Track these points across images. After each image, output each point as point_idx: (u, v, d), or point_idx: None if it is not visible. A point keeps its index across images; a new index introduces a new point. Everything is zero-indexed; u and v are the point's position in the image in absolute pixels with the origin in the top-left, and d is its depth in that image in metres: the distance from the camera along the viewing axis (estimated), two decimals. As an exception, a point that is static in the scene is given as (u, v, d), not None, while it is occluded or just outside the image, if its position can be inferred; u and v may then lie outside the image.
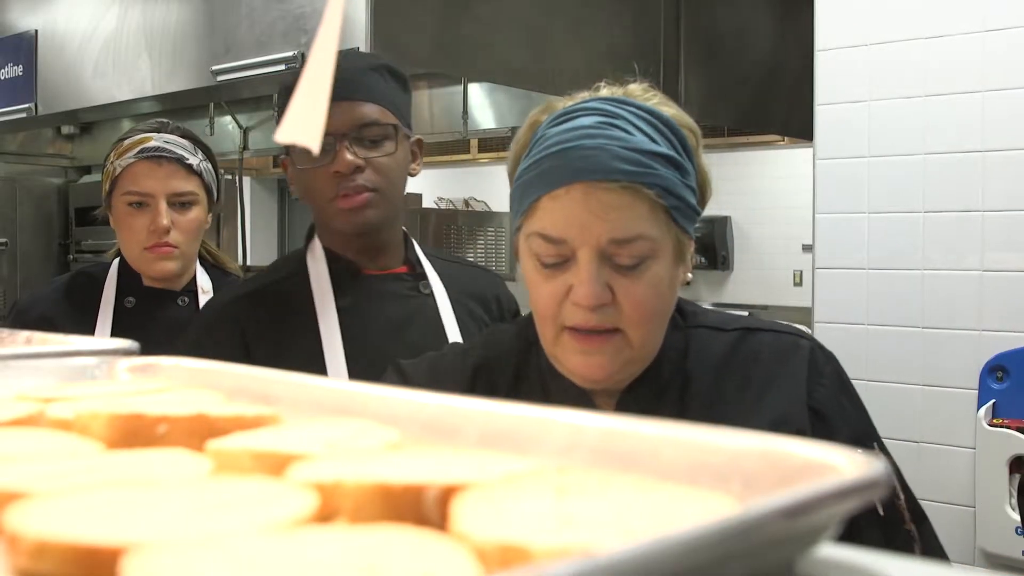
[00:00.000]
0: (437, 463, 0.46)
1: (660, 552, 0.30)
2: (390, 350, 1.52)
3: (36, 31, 3.56)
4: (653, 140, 1.06)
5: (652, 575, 0.30)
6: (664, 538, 0.30)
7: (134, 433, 0.54)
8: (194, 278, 1.98)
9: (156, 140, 1.89)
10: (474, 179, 6.84)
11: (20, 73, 3.60)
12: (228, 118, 4.49)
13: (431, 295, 1.62)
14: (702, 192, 1.15)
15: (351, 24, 2.46)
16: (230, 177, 4.89)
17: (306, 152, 1.49)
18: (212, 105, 4.29)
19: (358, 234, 1.56)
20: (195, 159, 1.91)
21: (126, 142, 1.91)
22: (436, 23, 2.73)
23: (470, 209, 6.16)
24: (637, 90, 1.15)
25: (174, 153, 1.89)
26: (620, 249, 1.05)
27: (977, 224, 2.14)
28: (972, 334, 2.15)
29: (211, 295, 1.94)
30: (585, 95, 1.14)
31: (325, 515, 0.42)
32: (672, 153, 1.07)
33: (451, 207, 6.27)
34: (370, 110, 1.53)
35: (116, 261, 1.98)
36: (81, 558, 0.35)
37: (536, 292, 1.10)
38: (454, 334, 1.60)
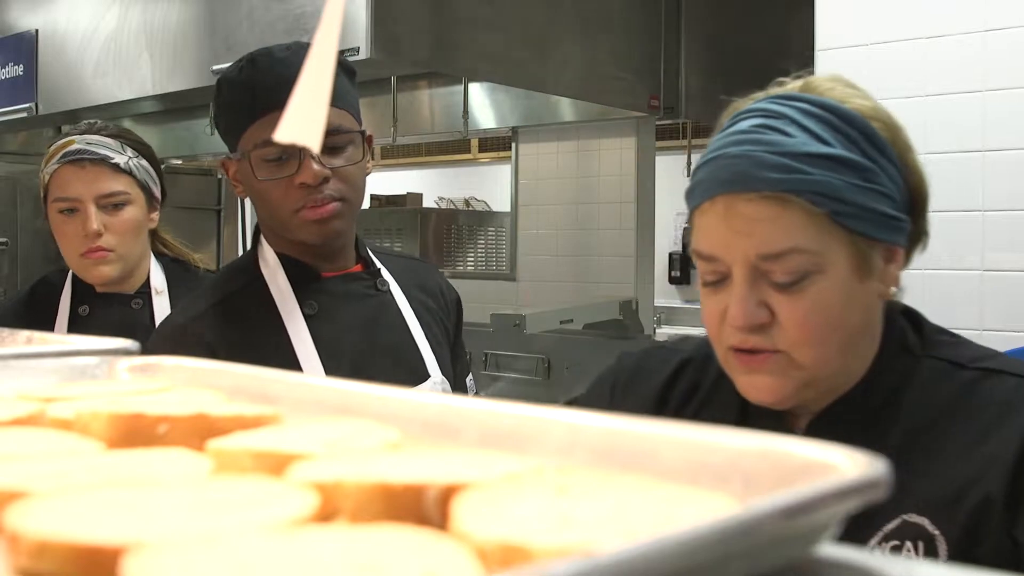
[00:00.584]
0: (438, 463, 0.46)
1: (660, 552, 0.30)
2: (363, 350, 1.51)
3: (37, 31, 3.56)
4: (820, 139, 0.96)
5: (652, 575, 0.30)
6: (664, 538, 0.30)
7: (135, 433, 0.54)
8: (148, 279, 1.93)
9: (79, 143, 1.84)
10: (475, 179, 6.84)
11: (21, 73, 3.60)
12: (228, 118, 4.47)
13: (388, 291, 1.60)
14: (914, 193, 1.02)
15: (351, 24, 2.46)
16: (231, 177, 4.89)
17: (266, 162, 1.46)
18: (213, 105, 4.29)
19: (322, 243, 1.52)
20: (122, 157, 1.85)
21: (52, 148, 1.87)
22: (436, 23, 2.73)
23: (471, 209, 6.16)
24: (821, 82, 1.04)
25: (96, 154, 1.83)
26: (773, 265, 0.96)
27: (977, 224, 2.14)
28: (972, 334, 2.15)
29: (166, 294, 1.91)
30: (767, 92, 1.05)
31: (325, 515, 0.42)
32: (844, 152, 0.96)
33: (452, 207, 6.27)
34: (333, 116, 1.45)
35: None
36: (82, 558, 0.35)
37: (703, 311, 1.04)
38: (416, 328, 1.58)
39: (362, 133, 1.52)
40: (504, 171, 4.72)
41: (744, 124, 0.99)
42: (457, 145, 6.31)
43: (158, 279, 1.94)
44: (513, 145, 4.26)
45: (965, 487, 0.98)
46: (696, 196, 1.00)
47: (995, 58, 2.12)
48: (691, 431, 0.48)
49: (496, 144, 6.20)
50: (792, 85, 1.05)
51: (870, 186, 0.97)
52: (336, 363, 1.48)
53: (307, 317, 1.50)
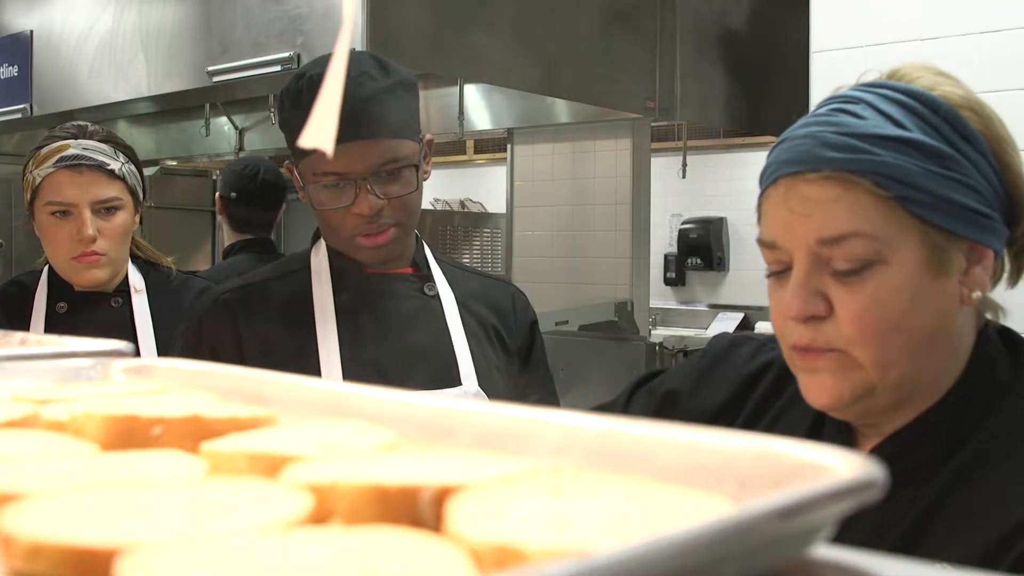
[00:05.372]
0: (432, 464, 0.46)
1: (655, 552, 0.30)
2: (388, 350, 1.51)
3: (31, 31, 3.55)
4: (896, 123, 0.90)
5: (647, 575, 0.30)
6: (659, 539, 0.30)
7: (129, 434, 0.54)
8: (126, 278, 1.95)
9: (75, 147, 1.84)
10: (470, 180, 6.84)
11: (15, 73, 3.60)
12: (224, 119, 4.48)
13: (436, 296, 1.59)
14: (1012, 192, 0.93)
15: (347, 25, 2.45)
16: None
17: (325, 188, 1.48)
18: (208, 106, 4.28)
19: (379, 263, 1.55)
20: (116, 163, 1.87)
21: (43, 150, 1.86)
22: (432, 24, 2.73)
23: (466, 210, 6.16)
24: (909, 70, 0.97)
25: (94, 160, 1.84)
26: (832, 251, 0.90)
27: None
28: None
29: (144, 293, 1.93)
30: (856, 82, 1.00)
31: (320, 516, 0.42)
32: (920, 136, 0.89)
33: (447, 208, 6.27)
34: (388, 147, 1.48)
35: (46, 268, 1.95)
36: (76, 559, 0.35)
37: (770, 306, 0.97)
38: (459, 337, 1.57)
39: (416, 164, 1.52)
40: (500, 173, 4.72)
41: (821, 110, 0.95)
42: (453, 147, 6.31)
43: (136, 278, 1.96)
44: (509, 147, 4.26)
45: (995, 546, 0.86)
46: (761, 182, 0.96)
47: (993, 60, 2.13)
48: (686, 432, 0.48)
49: (492, 146, 6.20)
50: (881, 74, 0.99)
51: (950, 174, 0.89)
52: (356, 356, 1.49)
53: (339, 309, 1.52)
